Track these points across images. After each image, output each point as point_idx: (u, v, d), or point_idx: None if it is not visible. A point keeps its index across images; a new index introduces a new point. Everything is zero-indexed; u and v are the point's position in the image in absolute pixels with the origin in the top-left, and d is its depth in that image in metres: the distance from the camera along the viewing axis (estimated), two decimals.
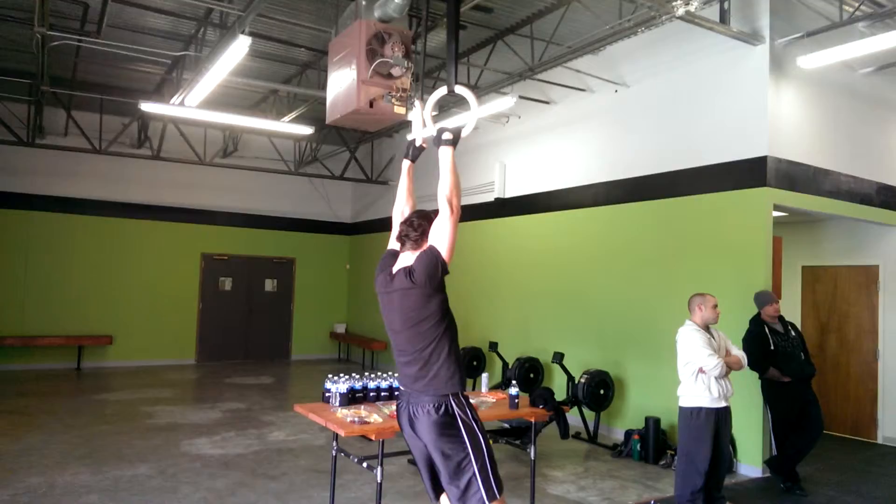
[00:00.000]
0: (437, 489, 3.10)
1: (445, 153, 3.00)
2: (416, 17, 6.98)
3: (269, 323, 13.83)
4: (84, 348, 11.70)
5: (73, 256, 11.78)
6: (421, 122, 3.44)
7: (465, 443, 2.86)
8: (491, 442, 3.03)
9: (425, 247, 2.95)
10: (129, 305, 12.20)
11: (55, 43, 7.19)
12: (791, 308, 8.56)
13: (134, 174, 12.19)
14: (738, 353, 5.16)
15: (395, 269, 3.03)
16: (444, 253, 2.88)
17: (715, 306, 5.07)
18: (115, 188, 12.12)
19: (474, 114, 3.32)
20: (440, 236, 2.90)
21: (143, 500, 5.02)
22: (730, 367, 5.00)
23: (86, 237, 11.89)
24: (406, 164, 3.39)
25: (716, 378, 4.89)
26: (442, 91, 3.77)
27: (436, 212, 3.00)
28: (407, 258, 3.00)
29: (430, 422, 2.86)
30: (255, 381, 11.01)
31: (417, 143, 3.39)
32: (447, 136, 3.03)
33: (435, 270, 2.86)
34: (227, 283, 13.42)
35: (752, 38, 6.44)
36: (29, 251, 11.41)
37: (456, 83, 3.74)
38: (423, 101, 3.61)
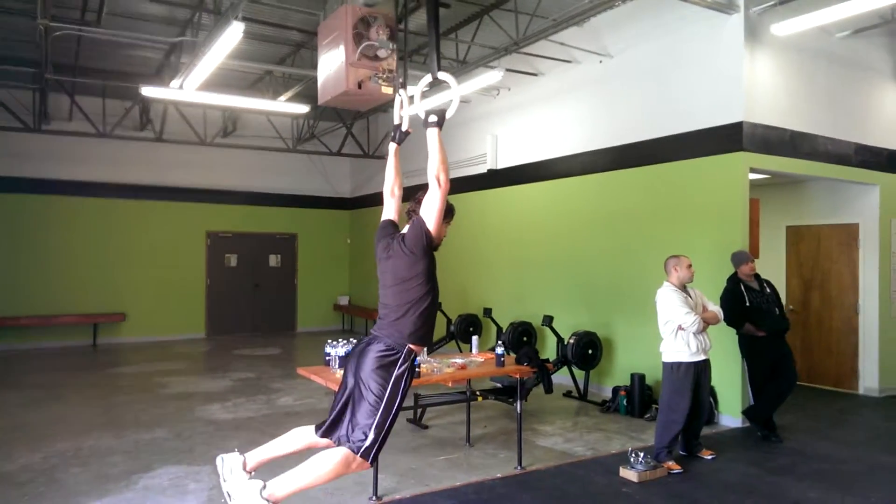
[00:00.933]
0: (328, 430, 3.28)
1: (432, 134, 3.33)
2: None
3: (274, 297, 14.28)
4: (99, 325, 12.18)
5: (84, 238, 12.19)
6: (400, 108, 3.71)
7: (384, 391, 3.12)
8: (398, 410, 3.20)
9: (416, 218, 3.31)
10: (140, 283, 12.65)
11: (58, 33, 7.46)
12: (775, 267, 8.89)
13: (138, 156, 12.53)
14: (715, 308, 5.51)
15: (392, 239, 3.40)
16: (430, 224, 3.23)
17: (689, 266, 5.40)
18: (121, 170, 12.47)
19: (456, 96, 3.61)
20: (428, 210, 3.25)
21: (162, 459, 5.46)
22: (707, 322, 5.35)
23: (95, 219, 12.28)
24: (392, 146, 3.68)
25: (694, 334, 5.24)
26: (427, 79, 4.05)
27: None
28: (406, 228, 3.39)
29: (375, 356, 3.18)
30: (262, 353, 11.47)
31: (403, 128, 3.68)
32: (433, 118, 3.35)
33: (420, 238, 3.23)
34: (233, 260, 13.83)
35: (726, 7, 6.67)
36: (42, 234, 11.81)
37: (438, 69, 4.03)
38: (407, 87, 3.90)
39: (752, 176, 7.32)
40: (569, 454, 5.71)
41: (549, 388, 6.26)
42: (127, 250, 12.58)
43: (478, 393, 5.69)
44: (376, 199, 14.41)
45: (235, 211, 13.73)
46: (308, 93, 10.51)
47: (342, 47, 5.17)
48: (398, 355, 3.20)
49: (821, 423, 6.85)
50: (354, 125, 13.60)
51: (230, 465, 3.23)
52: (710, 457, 5.51)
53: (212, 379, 9.03)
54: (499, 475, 5.10)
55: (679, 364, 5.29)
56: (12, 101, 10.63)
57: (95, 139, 11.56)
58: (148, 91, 8.98)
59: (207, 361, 10.81)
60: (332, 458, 3.11)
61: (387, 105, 12.21)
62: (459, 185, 11.05)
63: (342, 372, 3.43)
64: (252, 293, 14.04)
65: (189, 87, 8.26)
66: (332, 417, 3.28)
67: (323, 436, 3.29)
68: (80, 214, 12.16)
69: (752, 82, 6.74)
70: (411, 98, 3.69)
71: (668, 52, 7.43)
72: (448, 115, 3.47)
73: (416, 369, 3.35)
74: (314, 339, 13.20)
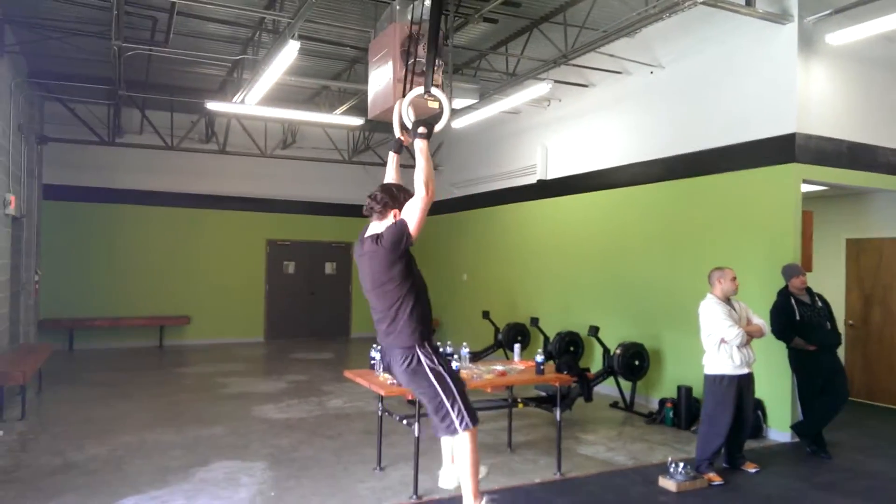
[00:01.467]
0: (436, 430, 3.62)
1: (419, 145, 3.47)
2: (446, 13, 7.39)
3: (329, 303, 14.69)
4: (165, 328, 12.81)
5: (152, 244, 12.86)
6: (399, 120, 3.87)
7: (433, 385, 3.36)
8: (461, 378, 3.49)
9: (397, 219, 3.39)
10: (203, 288, 13.25)
11: (130, 53, 7.99)
12: (834, 280, 8.65)
13: (203, 167, 13.16)
14: (759, 321, 5.46)
15: (364, 236, 3.51)
16: (412, 228, 3.32)
17: (734, 279, 5.37)
18: (187, 181, 13.12)
19: (447, 111, 3.76)
20: (411, 213, 3.34)
21: (219, 454, 5.77)
22: (751, 335, 5.32)
23: (162, 227, 12.95)
24: (392, 156, 3.85)
25: (737, 347, 5.21)
26: (418, 90, 4.16)
27: (398, 186, 3.49)
28: (375, 227, 3.47)
29: (400, 371, 3.41)
30: (316, 357, 11.83)
31: (399, 138, 3.84)
32: (422, 130, 3.51)
33: (400, 240, 3.31)
34: (291, 267, 14.32)
35: (780, 17, 6.60)
36: (113, 240, 12.53)
37: (432, 85, 4.16)
38: (407, 98, 4.01)
39: (809, 188, 7.19)
40: (610, 463, 5.74)
41: (588, 397, 6.30)
42: (191, 257, 13.21)
43: (519, 400, 5.79)
44: (429, 209, 14.71)
45: (294, 220, 14.22)
46: (362, 106, 10.85)
47: (390, 64, 5.38)
48: (415, 356, 3.38)
49: (876, 441, 6.65)
50: None
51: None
52: (753, 470, 5.45)
53: (268, 381, 9.40)
54: (537, 480, 5.19)
55: (722, 377, 5.27)
56: (89, 116, 11.36)
57: (164, 151, 12.23)
58: (212, 106, 9.51)
59: (265, 364, 11.23)
60: (460, 446, 3.43)
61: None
62: (509, 196, 11.21)
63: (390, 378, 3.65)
64: (308, 299, 14.48)
65: (250, 102, 8.71)
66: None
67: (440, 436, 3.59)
68: (149, 222, 12.84)
69: (806, 93, 6.64)
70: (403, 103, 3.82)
71: (719, 63, 7.38)
72: (437, 128, 3.62)
73: (437, 349, 3.47)
74: (367, 345, 13.31)
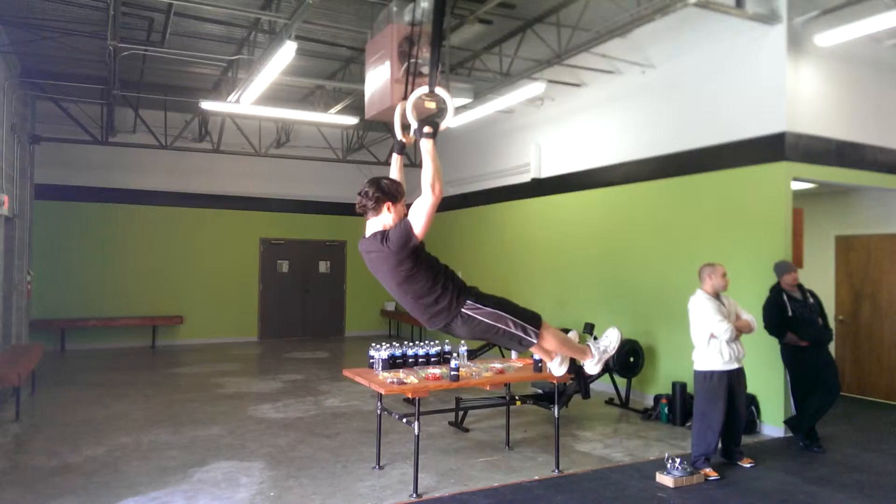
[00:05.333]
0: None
1: (426, 145, 3.45)
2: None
3: (324, 302, 14.71)
4: (158, 328, 12.78)
5: (145, 244, 12.82)
6: (401, 121, 3.86)
7: (492, 324, 3.35)
8: (503, 299, 3.48)
9: (403, 217, 3.32)
10: (196, 288, 13.22)
11: (125, 53, 7.97)
12: (823, 277, 8.76)
13: (197, 166, 13.13)
14: (748, 317, 5.52)
15: (367, 234, 3.45)
16: (418, 229, 3.24)
17: (724, 275, 5.43)
18: (181, 180, 13.09)
19: (451, 111, 3.77)
20: (418, 214, 3.25)
21: (217, 454, 5.79)
22: (740, 330, 5.38)
23: (155, 226, 12.91)
24: (395, 157, 3.78)
25: (727, 342, 5.28)
26: (423, 90, 4.16)
27: (388, 178, 3.43)
28: (374, 223, 3.40)
29: (461, 332, 3.40)
30: (311, 356, 11.85)
31: (401, 140, 3.84)
32: (427, 129, 3.47)
33: (406, 241, 3.24)
34: (285, 266, 14.32)
35: (769, 18, 6.68)
36: (105, 240, 12.48)
37: (436, 85, 4.18)
38: (404, 101, 4.01)
39: (799, 185, 7.28)
40: (607, 459, 5.80)
41: (586, 394, 6.36)
42: (185, 256, 13.18)
43: (517, 397, 5.84)
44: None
45: (287, 219, 14.22)
46: (357, 105, 10.87)
47: (387, 64, 5.43)
48: (467, 316, 3.35)
49: (867, 434, 6.75)
50: None
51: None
52: (749, 465, 5.53)
53: (263, 380, 9.41)
54: (536, 477, 5.24)
55: (712, 373, 5.33)
56: (82, 115, 11.31)
57: (157, 150, 12.18)
58: (207, 105, 9.48)
59: (259, 363, 11.23)
60: (546, 343, 3.51)
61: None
62: (504, 194, 11.27)
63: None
64: (302, 298, 14.48)
65: (245, 101, 8.70)
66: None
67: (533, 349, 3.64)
68: (142, 222, 12.80)
69: (795, 92, 6.72)
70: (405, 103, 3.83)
71: (710, 63, 7.46)
72: (442, 127, 3.62)
73: (471, 292, 3.46)
74: (361, 344, 13.51)
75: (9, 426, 6.67)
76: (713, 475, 5.20)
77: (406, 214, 3.31)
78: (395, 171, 3.75)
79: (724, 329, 5.21)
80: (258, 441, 6.24)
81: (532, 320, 3.42)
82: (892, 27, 6.56)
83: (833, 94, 7.09)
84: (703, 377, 5.38)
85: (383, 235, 3.30)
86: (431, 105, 5.54)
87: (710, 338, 5.29)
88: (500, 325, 3.37)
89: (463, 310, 3.36)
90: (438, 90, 4.04)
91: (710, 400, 5.34)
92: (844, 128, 7.10)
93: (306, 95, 11.79)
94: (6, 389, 7.14)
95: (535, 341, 3.40)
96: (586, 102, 9.34)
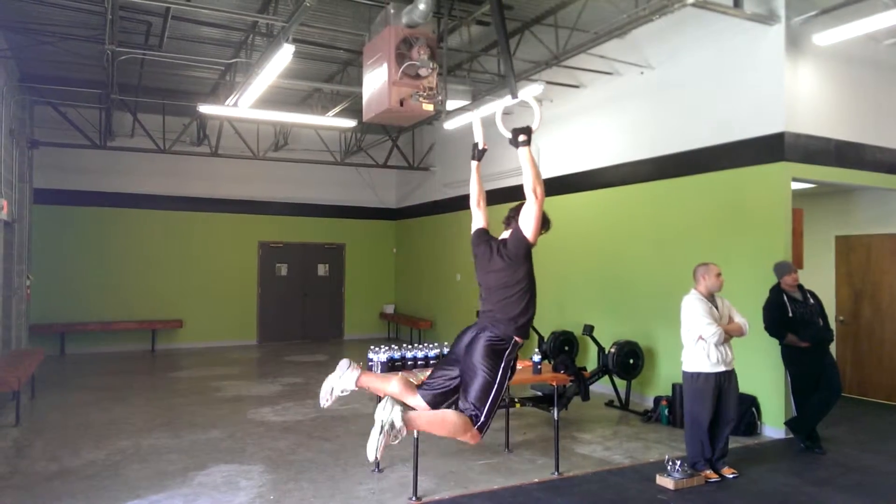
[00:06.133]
0: (437, 400, 3.52)
1: (523, 153, 3.55)
2: (440, 16, 7.42)
3: (323, 305, 14.69)
4: (157, 332, 12.77)
5: (144, 248, 12.82)
6: (481, 127, 3.95)
7: (497, 374, 3.36)
8: (503, 390, 3.46)
9: (515, 227, 3.55)
10: (195, 291, 13.21)
11: (123, 57, 7.96)
12: (824, 277, 8.75)
13: (195, 170, 13.13)
14: (741, 320, 5.39)
15: (486, 236, 3.72)
16: (529, 234, 3.48)
17: (718, 275, 5.37)
18: (179, 183, 13.09)
19: (537, 113, 3.85)
20: (526, 220, 3.49)
21: (216, 457, 5.77)
22: (730, 334, 5.27)
23: (154, 230, 12.91)
24: (473, 164, 3.98)
25: (714, 345, 5.20)
26: (507, 100, 4.26)
27: (515, 208, 3.63)
28: (505, 234, 3.65)
29: (487, 343, 3.39)
30: (311, 359, 11.84)
31: (480, 146, 3.91)
32: (522, 137, 3.58)
33: (519, 247, 3.49)
34: (283, 269, 14.31)
35: (767, 18, 6.68)
36: (104, 244, 12.48)
37: (516, 90, 4.30)
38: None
39: (798, 185, 7.27)
40: (607, 462, 5.79)
41: (585, 396, 6.35)
42: (184, 260, 13.17)
43: (516, 400, 5.83)
44: (421, 210, 14.80)
45: (286, 222, 14.21)
46: (355, 108, 10.85)
47: (385, 66, 5.42)
48: (507, 345, 3.41)
49: (869, 436, 6.73)
50: (400, 138, 13.92)
51: (344, 376, 3.75)
52: (732, 475, 5.27)
53: (263, 383, 9.39)
54: (536, 480, 5.22)
55: (699, 374, 5.25)
56: (80, 120, 11.30)
57: (156, 154, 12.16)
58: (204, 109, 9.48)
59: (259, 367, 11.22)
60: (458, 418, 3.34)
61: (430, 119, 12.52)
62: (502, 196, 11.23)
63: (451, 348, 3.61)
64: (301, 301, 14.47)
65: (243, 105, 8.69)
66: (439, 388, 3.50)
67: (425, 398, 3.51)
68: (141, 226, 12.80)
69: (793, 92, 6.72)
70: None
71: (708, 63, 7.46)
72: (534, 129, 3.69)
73: (518, 346, 3.51)
74: (360, 347, 13.43)
75: (9, 430, 6.66)
76: (713, 477, 5.18)
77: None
78: (474, 179, 3.92)
79: (712, 332, 5.14)
80: (258, 444, 6.22)
81: (487, 426, 3.37)
82: (890, 26, 6.59)
83: (832, 94, 7.09)
84: (691, 378, 5.33)
85: (503, 244, 3.56)
86: (429, 107, 5.56)
87: (698, 339, 5.24)
88: (494, 390, 3.34)
89: (511, 343, 3.44)
90: (521, 94, 4.16)
91: (697, 401, 5.27)
92: (843, 128, 7.10)
93: (304, 98, 11.79)
94: (6, 394, 7.12)
95: (472, 424, 3.30)
96: (585, 103, 9.34)
